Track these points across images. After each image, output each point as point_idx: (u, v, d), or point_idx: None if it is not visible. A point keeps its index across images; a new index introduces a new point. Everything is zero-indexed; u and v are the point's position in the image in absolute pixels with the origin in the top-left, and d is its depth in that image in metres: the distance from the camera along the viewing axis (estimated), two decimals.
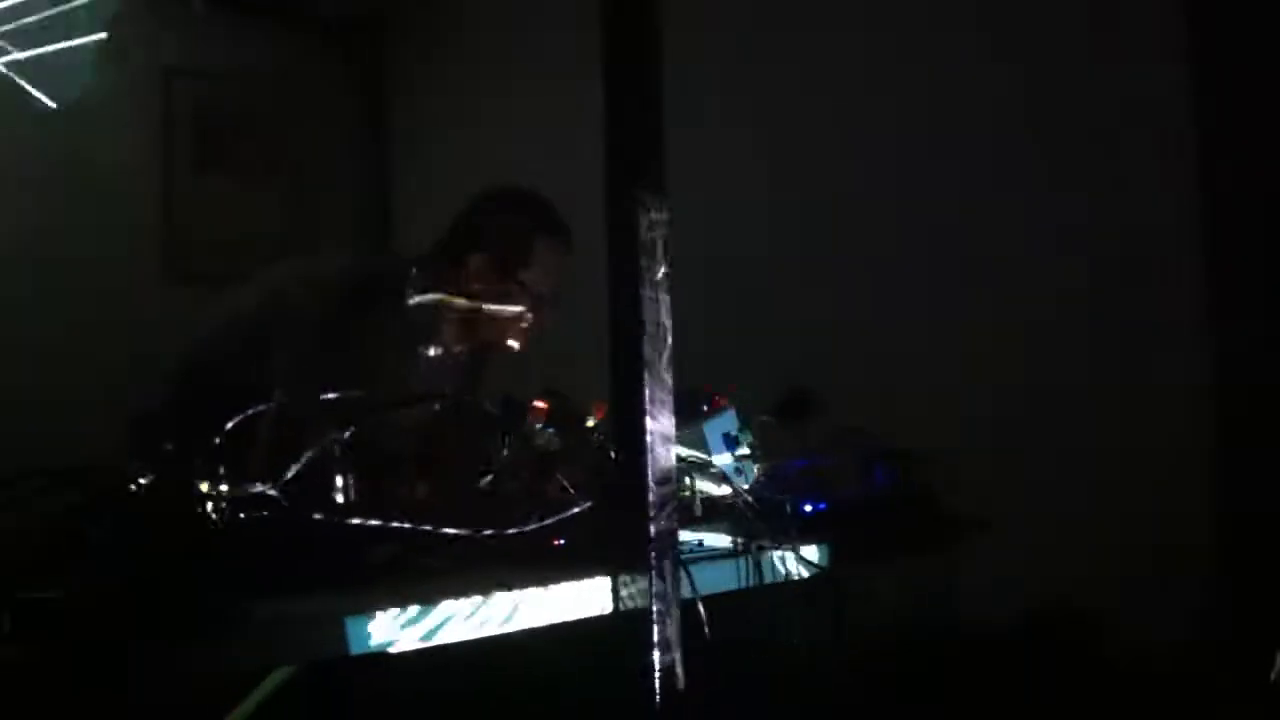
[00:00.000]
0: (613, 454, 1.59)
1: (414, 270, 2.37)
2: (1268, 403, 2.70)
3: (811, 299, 3.49)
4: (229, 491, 1.49)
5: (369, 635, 1.34)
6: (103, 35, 3.89)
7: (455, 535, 1.54)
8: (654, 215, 1.57)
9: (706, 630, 1.55)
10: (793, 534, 1.80)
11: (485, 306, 2.38)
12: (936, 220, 3.27)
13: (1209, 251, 2.83)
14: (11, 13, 3.55)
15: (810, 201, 3.55)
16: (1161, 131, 2.90)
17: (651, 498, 1.51)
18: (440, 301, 2.36)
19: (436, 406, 2.40)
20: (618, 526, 1.54)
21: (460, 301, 2.37)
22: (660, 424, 1.53)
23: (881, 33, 3.46)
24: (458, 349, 2.46)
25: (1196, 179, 2.84)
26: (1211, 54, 2.84)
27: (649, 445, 1.51)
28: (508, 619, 1.46)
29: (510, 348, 2.44)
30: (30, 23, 3.65)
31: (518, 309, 2.40)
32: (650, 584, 1.49)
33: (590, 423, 1.88)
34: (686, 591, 1.56)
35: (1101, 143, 3.00)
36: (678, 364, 1.56)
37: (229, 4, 4.72)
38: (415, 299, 2.33)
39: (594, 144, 1.61)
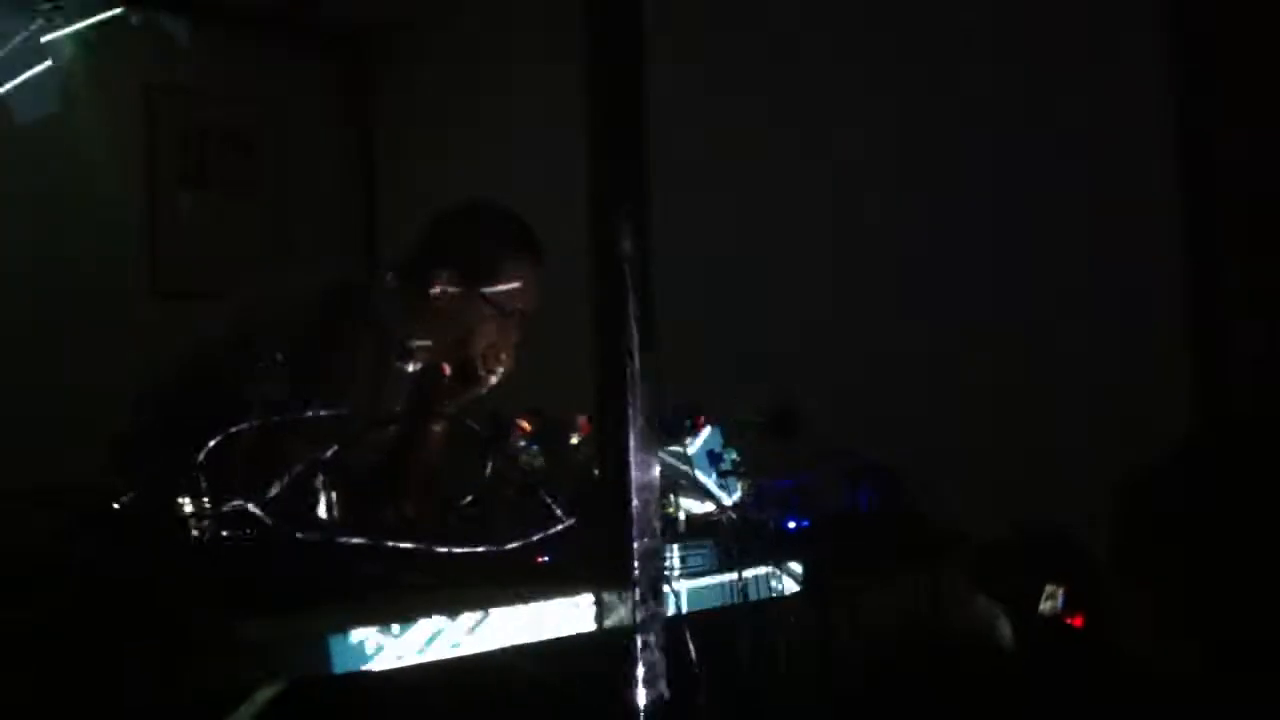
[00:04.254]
0: (596, 471, 1.59)
1: (384, 285, 2.37)
2: (1260, 404, 2.73)
3: (799, 315, 3.50)
4: (211, 509, 1.49)
5: (352, 653, 1.33)
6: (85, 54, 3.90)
7: (438, 553, 1.54)
8: (638, 231, 1.57)
9: (691, 648, 1.55)
10: (776, 551, 1.80)
11: (454, 323, 2.39)
12: (927, 237, 3.29)
13: (1193, 254, 2.86)
14: None
15: (800, 212, 3.56)
16: (1146, 131, 2.92)
17: (635, 515, 1.51)
18: (410, 319, 2.37)
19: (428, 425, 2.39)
20: (601, 544, 1.54)
21: (430, 321, 2.38)
22: (644, 441, 1.53)
23: (877, 32, 3.47)
24: (433, 365, 2.45)
25: (1177, 179, 2.87)
26: (1195, 55, 2.87)
27: (633, 462, 1.51)
28: (491, 637, 1.46)
29: (489, 365, 2.43)
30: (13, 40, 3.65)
31: (489, 326, 2.40)
32: (634, 602, 1.49)
33: (574, 440, 1.88)
34: (671, 609, 1.56)
35: (1089, 144, 3.01)
36: (662, 380, 1.56)
37: (213, 22, 4.72)
38: (392, 321, 2.33)
39: (578, 156, 1.62)
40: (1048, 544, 2.63)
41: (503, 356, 2.43)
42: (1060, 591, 2.52)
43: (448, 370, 2.41)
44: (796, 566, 1.86)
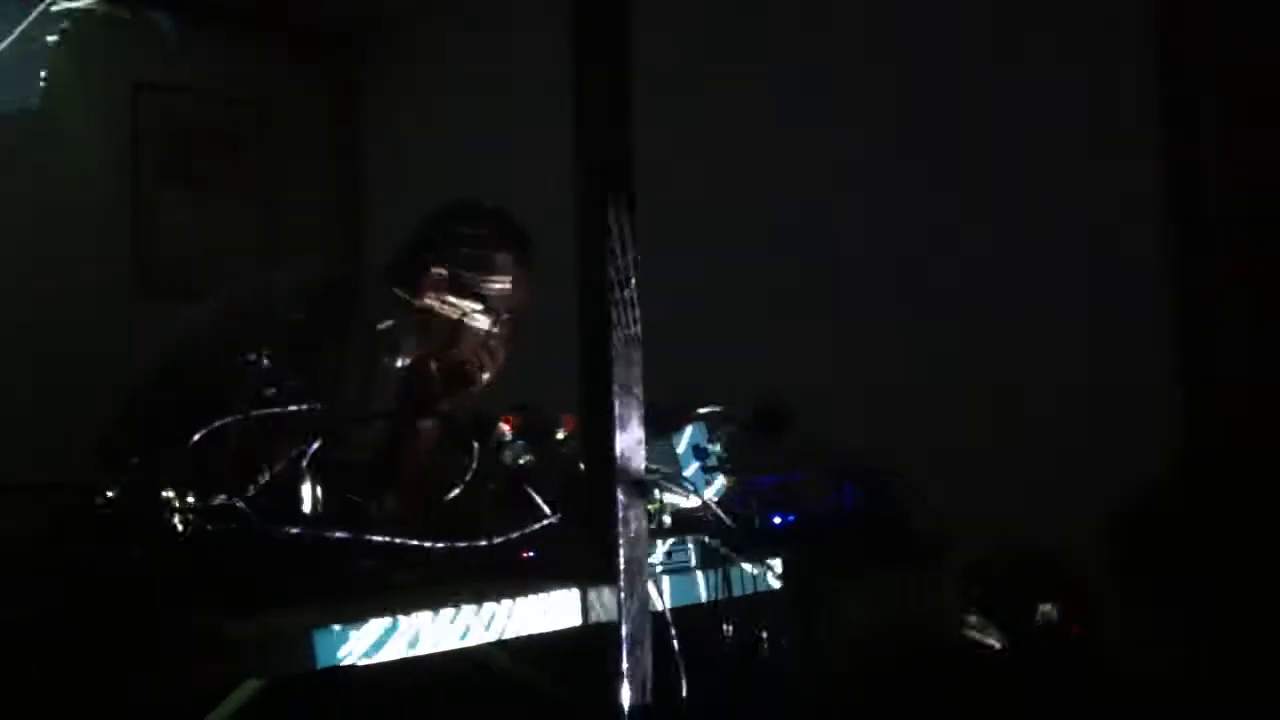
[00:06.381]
0: (582, 467, 1.59)
1: (376, 284, 2.37)
2: (1243, 405, 2.73)
3: (796, 314, 3.50)
4: (197, 505, 1.49)
5: (336, 649, 1.33)
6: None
7: (423, 548, 1.54)
8: (624, 229, 1.57)
9: (675, 643, 1.55)
10: (761, 547, 1.80)
11: (445, 321, 2.39)
12: (918, 240, 3.30)
13: (1178, 254, 2.86)
14: None
15: (798, 212, 3.56)
16: (1144, 132, 2.92)
17: (620, 511, 1.51)
18: (401, 319, 2.36)
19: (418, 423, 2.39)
20: (587, 539, 1.54)
21: (420, 319, 2.38)
22: (629, 437, 1.53)
23: (875, 32, 3.48)
24: (424, 362, 2.45)
25: (1175, 181, 2.87)
26: (1194, 56, 2.87)
27: (618, 458, 1.51)
28: (476, 632, 1.46)
29: (479, 363, 2.43)
30: None
31: (480, 324, 2.40)
32: (619, 597, 1.50)
33: (560, 436, 1.88)
34: (656, 604, 1.56)
35: (1088, 145, 3.02)
36: (648, 376, 1.57)
37: (206, 20, 4.71)
38: (381, 319, 2.33)
39: (566, 156, 1.62)
40: (1039, 561, 2.64)
41: (493, 355, 2.44)
42: (1054, 609, 2.52)
43: (436, 368, 2.41)
44: (778, 563, 1.87)
